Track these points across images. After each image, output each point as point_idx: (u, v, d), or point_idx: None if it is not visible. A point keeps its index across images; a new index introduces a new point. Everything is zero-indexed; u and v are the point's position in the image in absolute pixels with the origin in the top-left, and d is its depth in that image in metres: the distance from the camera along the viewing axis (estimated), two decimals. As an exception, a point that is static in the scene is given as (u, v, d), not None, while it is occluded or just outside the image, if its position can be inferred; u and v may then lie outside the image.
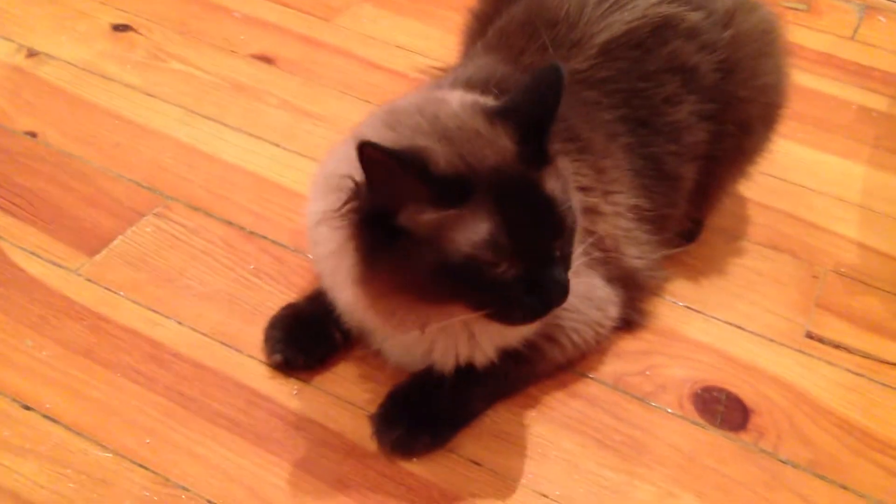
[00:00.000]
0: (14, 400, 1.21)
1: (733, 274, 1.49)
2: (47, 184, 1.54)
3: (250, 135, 1.68)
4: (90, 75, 1.79)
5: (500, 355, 1.18)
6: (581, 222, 1.22)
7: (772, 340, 1.38)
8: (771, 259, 1.52)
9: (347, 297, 1.08)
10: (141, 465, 1.15)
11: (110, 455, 1.16)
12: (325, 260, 1.11)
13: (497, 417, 1.24)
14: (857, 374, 1.34)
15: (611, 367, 1.32)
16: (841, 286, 1.49)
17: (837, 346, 1.38)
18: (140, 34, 1.92)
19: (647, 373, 1.32)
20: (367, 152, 0.94)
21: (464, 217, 0.98)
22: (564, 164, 1.17)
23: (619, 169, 1.27)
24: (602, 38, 1.27)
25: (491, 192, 0.98)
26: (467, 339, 1.14)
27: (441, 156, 0.99)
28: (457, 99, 1.08)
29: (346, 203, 1.02)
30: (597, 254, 1.26)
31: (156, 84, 1.79)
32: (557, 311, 1.19)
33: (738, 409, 1.28)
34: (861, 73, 2.03)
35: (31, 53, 1.83)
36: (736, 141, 1.35)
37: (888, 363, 1.36)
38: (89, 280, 1.38)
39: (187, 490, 1.13)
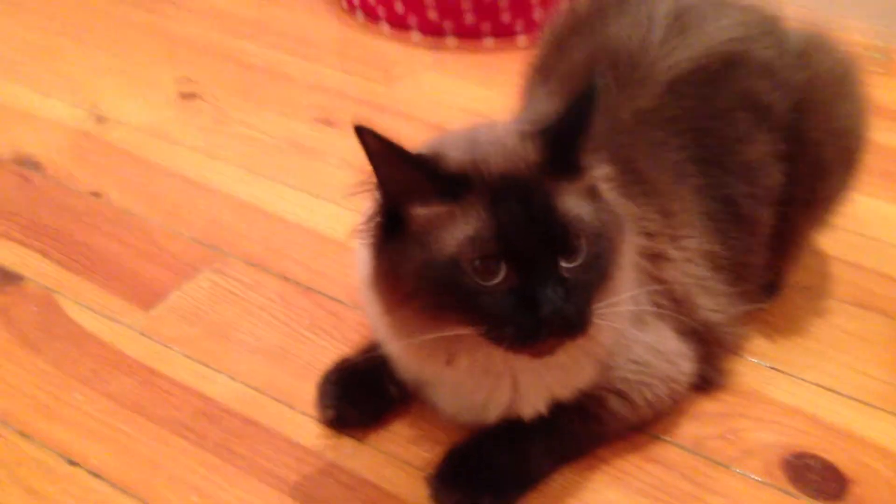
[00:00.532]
0: (60, 455, 1.17)
1: (819, 333, 1.38)
2: (107, 240, 1.53)
3: (309, 194, 1.66)
4: (155, 139, 1.81)
5: (551, 408, 1.10)
6: (647, 268, 1.15)
7: (868, 404, 1.26)
8: (859, 318, 1.41)
9: (371, 312, 1.04)
10: (185, 525, 1.09)
11: (154, 513, 1.10)
12: (362, 284, 1.05)
13: (565, 482, 1.14)
14: (966, 442, 1.22)
15: (688, 429, 1.22)
16: (940, 347, 1.37)
17: (942, 412, 1.26)
18: (205, 101, 1.94)
19: (730, 436, 1.21)
20: (365, 137, 0.91)
21: (455, 214, 0.93)
22: (626, 206, 1.11)
23: (688, 212, 1.19)
24: (668, 76, 1.21)
25: (490, 193, 0.93)
26: (510, 386, 1.07)
27: (452, 158, 0.96)
28: (505, 125, 1.04)
29: (372, 216, 0.99)
30: (665, 303, 1.18)
31: (219, 147, 1.79)
32: (623, 364, 1.12)
33: (833, 478, 1.16)
34: (947, 132, 1.93)
35: (100, 119, 1.86)
36: (812, 184, 1.27)
37: None
38: (143, 334, 1.35)
39: (232, 552, 1.06)
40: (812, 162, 1.27)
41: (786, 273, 1.43)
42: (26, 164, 1.71)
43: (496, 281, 0.92)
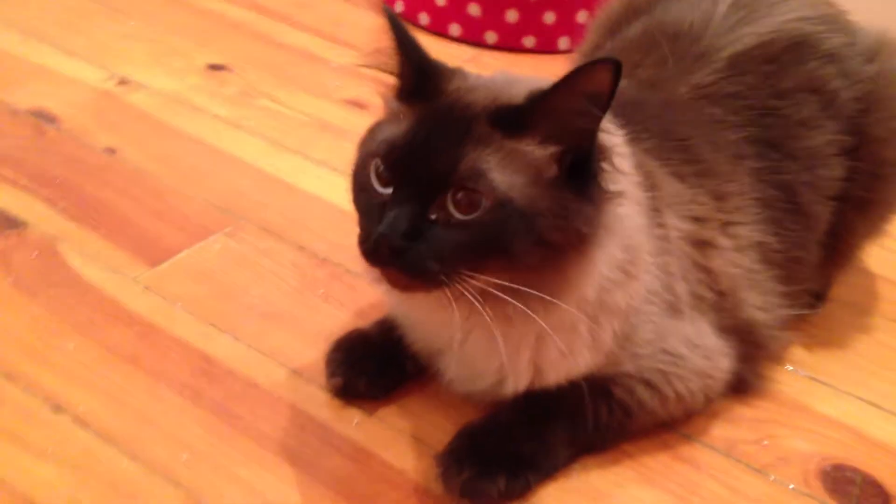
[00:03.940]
0: (46, 400, 1.09)
1: (862, 348, 1.30)
2: (117, 195, 1.46)
3: (334, 169, 1.59)
4: (178, 104, 1.74)
5: (576, 392, 1.03)
6: (692, 255, 1.08)
7: (914, 422, 1.17)
8: (906, 337, 1.33)
9: None
10: (173, 482, 1.00)
11: (140, 468, 1.01)
12: None
13: (587, 474, 1.06)
14: None
15: (722, 432, 1.13)
16: None
17: None
18: (234, 73, 1.88)
19: (766, 442, 1.12)
20: (390, 17, 0.93)
21: (398, 117, 0.92)
22: (675, 187, 1.06)
23: (743, 196, 1.11)
24: (731, 50, 1.15)
25: (429, 112, 0.90)
26: (499, 355, 0.99)
27: (452, 72, 0.95)
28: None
29: None
30: (709, 295, 1.10)
31: (243, 118, 1.72)
32: (655, 353, 1.05)
33: (876, 493, 1.07)
34: None
35: (123, 81, 1.80)
36: (870, 184, 1.19)
37: None
38: (147, 288, 1.27)
39: (221, 514, 0.97)
40: (872, 159, 1.19)
41: (834, 282, 1.34)
42: (42, 116, 1.65)
43: (387, 192, 0.89)
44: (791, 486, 1.06)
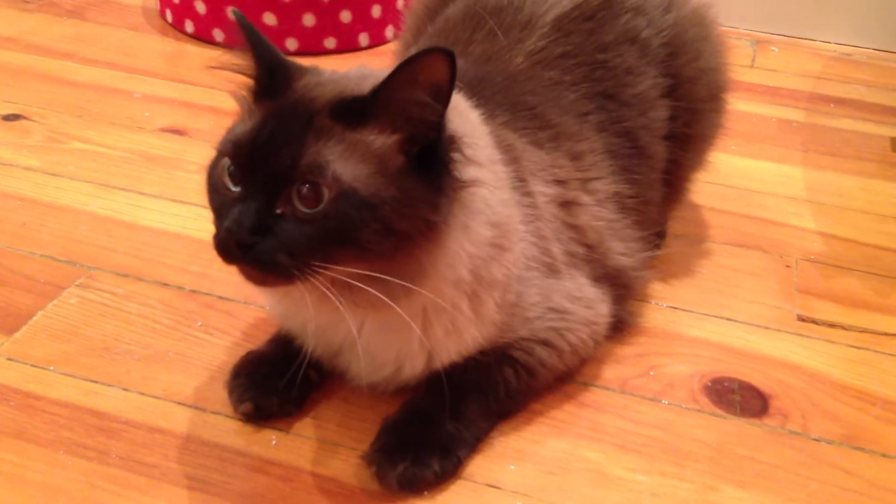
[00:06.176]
0: (-66, 497, 1.00)
1: (707, 273, 1.44)
2: (-54, 270, 1.35)
3: (172, 200, 1.55)
4: (-18, 163, 1.63)
5: (484, 366, 1.08)
6: (560, 216, 1.15)
7: (766, 328, 1.32)
8: (740, 255, 1.48)
9: None
10: (103, 547, 0.96)
11: (64, 540, 0.96)
12: None
13: (506, 439, 1.11)
14: (861, 349, 1.29)
15: (612, 372, 1.22)
16: (816, 272, 1.45)
17: (832, 325, 1.33)
18: (33, 121, 1.78)
19: (652, 373, 1.22)
20: (240, 21, 0.94)
21: (249, 114, 0.94)
22: (536, 154, 1.11)
23: (595, 153, 1.20)
24: (552, 14, 1.23)
25: (274, 108, 0.92)
26: (401, 342, 1.04)
27: (298, 68, 0.97)
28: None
29: None
30: (580, 251, 1.18)
31: (58, 164, 1.64)
32: (544, 314, 1.11)
33: (754, 396, 1.19)
34: (770, 93, 2.09)
35: (-88, 148, 1.65)
36: (689, 119, 1.32)
37: (888, 334, 1.31)
38: (11, 359, 1.19)
39: (166, 565, 0.94)
40: (688, 98, 1.31)
41: (669, 218, 1.47)
42: None
43: (237, 190, 0.90)
44: (684, 406, 1.17)
